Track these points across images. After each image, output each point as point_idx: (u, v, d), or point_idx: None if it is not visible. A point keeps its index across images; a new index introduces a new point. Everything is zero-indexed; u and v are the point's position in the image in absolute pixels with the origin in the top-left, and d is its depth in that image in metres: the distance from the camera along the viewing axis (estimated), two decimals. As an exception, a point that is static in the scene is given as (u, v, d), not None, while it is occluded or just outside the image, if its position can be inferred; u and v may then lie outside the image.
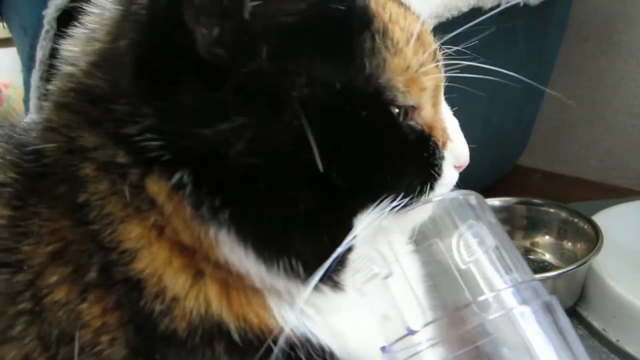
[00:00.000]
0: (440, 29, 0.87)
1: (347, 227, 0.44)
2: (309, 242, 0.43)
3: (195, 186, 0.42)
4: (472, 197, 0.49)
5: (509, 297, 0.46)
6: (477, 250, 0.47)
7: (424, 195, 0.48)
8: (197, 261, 0.44)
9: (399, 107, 0.46)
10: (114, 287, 0.44)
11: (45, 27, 1.39)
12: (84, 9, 0.49)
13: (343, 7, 0.43)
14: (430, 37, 0.50)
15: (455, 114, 0.54)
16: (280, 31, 0.41)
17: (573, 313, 0.94)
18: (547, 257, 1.05)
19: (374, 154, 0.45)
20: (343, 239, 0.43)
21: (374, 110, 0.44)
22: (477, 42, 0.97)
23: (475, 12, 0.87)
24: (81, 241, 0.44)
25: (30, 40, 1.45)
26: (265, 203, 0.42)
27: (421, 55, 0.47)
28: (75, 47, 0.49)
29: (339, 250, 0.43)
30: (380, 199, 0.45)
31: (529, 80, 0.62)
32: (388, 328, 0.46)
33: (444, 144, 0.50)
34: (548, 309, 0.46)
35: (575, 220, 0.99)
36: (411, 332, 0.45)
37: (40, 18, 1.37)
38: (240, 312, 0.45)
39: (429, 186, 0.49)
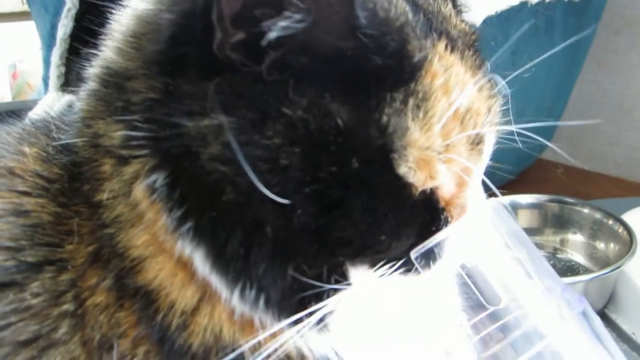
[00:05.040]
0: (487, 21, 0.87)
1: (319, 275, 0.41)
2: (274, 274, 0.40)
3: (169, 192, 0.40)
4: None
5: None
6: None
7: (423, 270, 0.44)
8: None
9: (402, 176, 0.41)
10: (133, 298, 0.43)
11: (68, 4, 1.36)
12: None
13: (380, 61, 0.39)
14: (481, 122, 0.44)
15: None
16: (298, 49, 0.38)
17: (602, 316, 0.92)
18: (576, 257, 1.03)
19: (356, 206, 0.40)
20: (318, 284, 0.40)
21: (372, 164, 0.40)
22: (517, 37, 0.95)
23: (521, 5, 0.86)
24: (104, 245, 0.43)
25: (51, 17, 1.42)
26: (230, 220, 0.39)
27: (449, 140, 0.41)
28: (116, 26, 0.47)
29: (327, 302, 0.40)
30: (375, 258, 0.42)
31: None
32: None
33: None
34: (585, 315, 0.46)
35: (610, 222, 0.97)
36: None
37: (62, -5, 1.35)
38: (251, 334, 0.43)
39: (425, 264, 0.44)
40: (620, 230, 0.95)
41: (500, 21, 0.87)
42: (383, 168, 0.40)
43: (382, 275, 0.42)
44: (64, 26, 1.40)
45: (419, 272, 0.43)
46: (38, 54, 1.63)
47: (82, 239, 0.44)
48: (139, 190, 0.41)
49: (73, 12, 1.39)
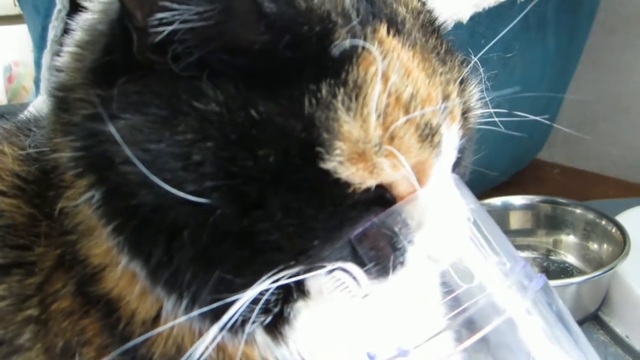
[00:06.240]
0: (474, 18, 0.85)
1: (251, 282, 0.38)
2: (199, 283, 0.38)
3: (105, 207, 0.38)
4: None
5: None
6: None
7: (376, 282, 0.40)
8: None
9: (331, 172, 0.37)
10: (96, 306, 0.42)
11: (58, 6, 1.35)
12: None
13: (291, 54, 0.37)
14: (436, 117, 0.39)
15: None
16: (209, 42, 0.36)
17: (595, 318, 0.91)
18: (569, 258, 1.02)
19: (276, 205, 0.37)
20: (241, 288, 0.37)
21: (291, 158, 0.37)
22: (508, 35, 0.94)
23: (511, 3, 0.85)
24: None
25: (42, 19, 1.42)
26: (151, 227, 0.37)
27: (390, 131, 0.37)
28: (68, 39, 0.45)
29: (243, 301, 0.37)
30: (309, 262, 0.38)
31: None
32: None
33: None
34: (545, 293, 0.43)
35: (603, 222, 0.96)
36: (403, 353, 0.41)
37: (52, -3, 1.34)
38: (220, 343, 0.40)
39: (382, 271, 0.40)
40: (613, 230, 0.93)
41: (490, 19, 0.85)
42: (305, 162, 0.37)
43: (332, 285, 0.39)
44: (55, 28, 1.39)
45: (380, 281, 0.40)
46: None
47: (50, 242, 0.44)
48: (86, 205, 0.40)
49: (63, 13, 1.37)
